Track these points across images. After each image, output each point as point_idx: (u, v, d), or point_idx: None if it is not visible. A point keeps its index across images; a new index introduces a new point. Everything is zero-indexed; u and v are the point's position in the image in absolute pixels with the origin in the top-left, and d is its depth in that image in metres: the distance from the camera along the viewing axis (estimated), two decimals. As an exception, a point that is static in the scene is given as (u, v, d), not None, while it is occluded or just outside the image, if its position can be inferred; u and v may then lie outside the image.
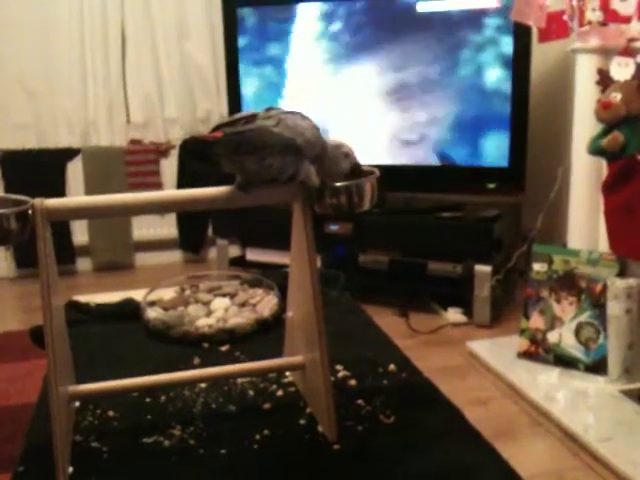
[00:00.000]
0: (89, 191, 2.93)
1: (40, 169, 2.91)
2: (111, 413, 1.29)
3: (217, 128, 1.06)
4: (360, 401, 1.32)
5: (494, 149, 2.37)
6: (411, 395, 1.36)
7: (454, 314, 2.34)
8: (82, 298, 1.67)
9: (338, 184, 1.13)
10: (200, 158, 1.04)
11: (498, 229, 2.30)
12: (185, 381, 1.28)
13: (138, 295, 1.55)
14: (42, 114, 2.92)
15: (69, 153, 2.96)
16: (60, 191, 2.94)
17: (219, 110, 3.01)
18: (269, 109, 1.14)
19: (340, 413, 1.22)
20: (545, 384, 1.79)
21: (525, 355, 1.89)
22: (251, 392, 1.34)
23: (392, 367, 1.44)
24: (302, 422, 1.25)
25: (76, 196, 2.92)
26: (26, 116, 2.91)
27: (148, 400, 1.33)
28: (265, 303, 1.37)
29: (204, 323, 1.38)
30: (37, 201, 1.09)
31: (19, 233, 1.05)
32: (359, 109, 2.57)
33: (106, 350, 1.49)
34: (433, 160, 2.47)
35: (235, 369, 1.26)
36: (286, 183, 1.12)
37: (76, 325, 1.49)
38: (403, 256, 2.48)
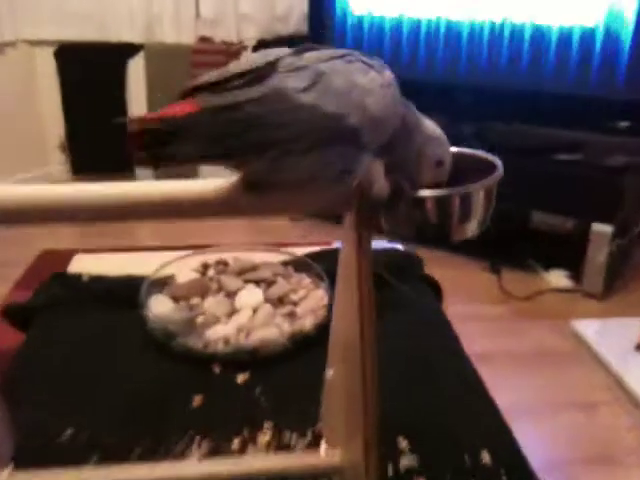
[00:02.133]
0: (150, 93, 2.63)
1: (99, 65, 2.62)
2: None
3: (195, 89, 0.49)
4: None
5: (631, 77, 1.90)
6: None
7: (557, 277, 1.98)
8: (77, 265, 1.07)
9: (425, 193, 0.59)
10: (152, 157, 0.42)
11: (626, 183, 1.86)
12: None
13: (154, 262, 0.98)
14: (102, 3, 2.59)
15: (131, 49, 2.64)
16: (119, 92, 2.65)
17: (300, 8, 2.59)
18: (304, 49, 0.53)
19: None
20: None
21: (647, 350, 1.54)
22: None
23: (486, 456, 0.78)
24: None
25: (135, 98, 2.65)
26: (85, 5, 2.58)
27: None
28: (309, 303, 0.91)
29: (219, 334, 0.86)
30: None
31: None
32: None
33: (81, 358, 0.88)
34: (548, 85, 2.02)
35: (232, 469, 0.68)
36: (333, 183, 0.51)
37: (58, 307, 0.96)
38: (501, 201, 2.08)
